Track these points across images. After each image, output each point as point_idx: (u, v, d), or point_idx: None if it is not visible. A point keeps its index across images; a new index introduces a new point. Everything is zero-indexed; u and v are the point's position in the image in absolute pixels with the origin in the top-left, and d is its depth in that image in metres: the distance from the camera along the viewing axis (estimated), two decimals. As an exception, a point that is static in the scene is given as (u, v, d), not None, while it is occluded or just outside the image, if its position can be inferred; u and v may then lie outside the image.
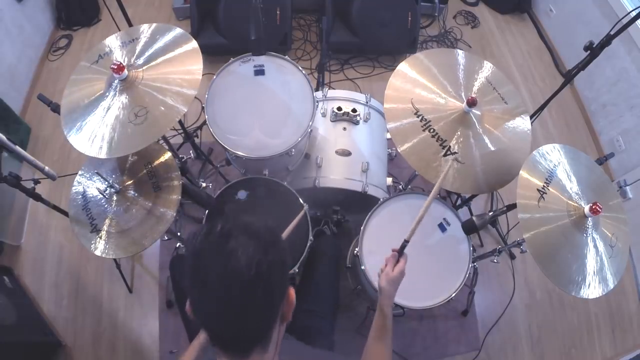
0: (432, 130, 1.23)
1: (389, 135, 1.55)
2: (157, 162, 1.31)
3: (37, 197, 1.42)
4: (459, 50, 1.40)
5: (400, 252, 1.07)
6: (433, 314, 2.01)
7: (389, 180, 1.84)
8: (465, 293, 1.97)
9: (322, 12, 2.73)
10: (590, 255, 1.11)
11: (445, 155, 1.22)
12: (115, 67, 1.14)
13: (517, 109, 1.33)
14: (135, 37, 1.30)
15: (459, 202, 2.09)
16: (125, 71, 1.16)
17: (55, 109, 1.36)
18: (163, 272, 2.03)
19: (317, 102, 1.66)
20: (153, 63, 1.23)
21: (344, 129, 1.73)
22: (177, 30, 1.29)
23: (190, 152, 2.14)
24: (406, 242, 1.07)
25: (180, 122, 1.83)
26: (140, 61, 1.24)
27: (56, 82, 2.56)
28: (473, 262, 1.46)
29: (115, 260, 1.96)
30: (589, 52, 1.44)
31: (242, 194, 1.51)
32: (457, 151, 1.22)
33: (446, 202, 1.55)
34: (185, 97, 1.16)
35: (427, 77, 1.31)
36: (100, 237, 1.24)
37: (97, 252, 1.22)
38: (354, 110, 1.72)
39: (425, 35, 2.93)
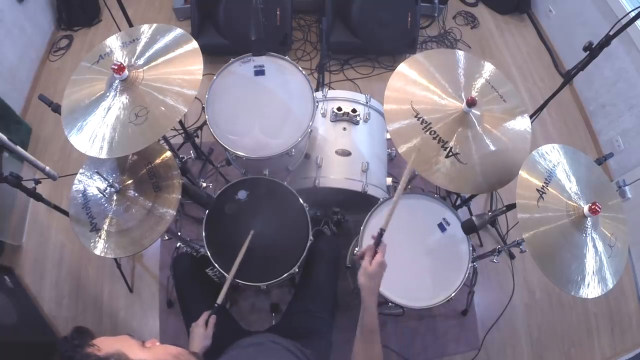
0: (432, 132, 1.23)
1: (388, 136, 1.55)
2: (157, 162, 1.31)
3: (38, 197, 1.42)
4: (458, 51, 1.40)
5: (377, 243, 1.02)
6: (433, 314, 2.01)
7: (389, 180, 1.84)
8: (465, 293, 1.97)
9: (322, 12, 2.73)
10: (590, 255, 1.11)
11: (447, 156, 1.22)
12: (116, 67, 1.14)
13: (516, 109, 1.33)
14: (135, 37, 1.30)
15: (458, 202, 2.09)
16: (126, 71, 1.16)
17: (56, 109, 1.37)
18: (163, 271, 2.04)
19: (317, 102, 1.66)
20: (153, 63, 1.23)
21: (344, 129, 1.73)
22: (178, 31, 1.29)
23: (191, 152, 2.15)
24: (382, 230, 1.03)
25: (180, 122, 1.84)
26: (141, 61, 1.24)
27: (57, 83, 2.57)
28: (473, 261, 1.47)
29: (115, 259, 1.96)
30: (588, 52, 1.44)
31: (242, 194, 1.51)
32: (458, 152, 1.22)
33: (446, 202, 1.55)
34: (186, 98, 1.17)
35: (426, 78, 1.31)
36: (100, 237, 1.24)
37: (97, 252, 1.22)
38: (354, 111, 1.72)
39: (425, 36, 2.94)
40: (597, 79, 2.54)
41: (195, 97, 1.21)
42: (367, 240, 1.48)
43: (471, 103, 1.20)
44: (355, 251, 1.47)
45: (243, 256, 1.35)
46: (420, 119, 1.24)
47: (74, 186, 1.34)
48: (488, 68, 1.38)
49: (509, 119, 1.31)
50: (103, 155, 1.13)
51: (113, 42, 1.32)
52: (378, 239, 1.03)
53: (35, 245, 2.09)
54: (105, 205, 1.27)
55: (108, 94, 1.20)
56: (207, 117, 1.51)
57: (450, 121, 1.24)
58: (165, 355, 0.73)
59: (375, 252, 1.01)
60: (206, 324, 1.18)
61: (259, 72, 1.58)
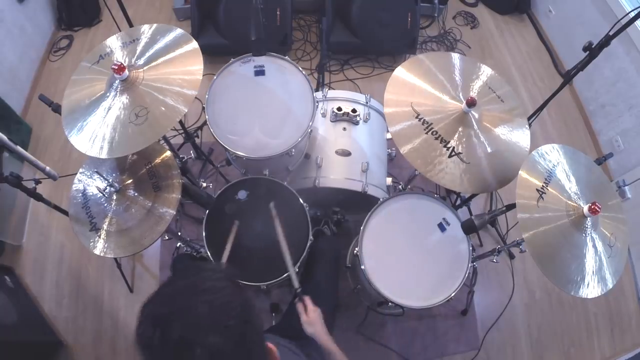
0: (434, 133, 1.24)
1: (389, 136, 1.55)
2: (157, 162, 1.32)
3: (38, 197, 1.42)
4: (455, 54, 1.41)
5: (300, 299, 1.17)
6: (433, 314, 2.02)
7: (389, 180, 1.84)
8: (465, 292, 1.97)
9: (322, 12, 2.73)
10: (589, 255, 1.11)
11: (450, 156, 1.22)
12: (116, 67, 1.14)
13: (516, 109, 1.34)
14: (135, 37, 1.30)
15: (458, 202, 2.09)
16: (126, 71, 1.16)
17: (56, 109, 1.37)
18: (164, 271, 2.04)
19: (317, 102, 1.66)
20: (154, 63, 1.23)
21: (344, 129, 1.73)
22: (178, 31, 1.29)
23: (191, 152, 2.15)
24: (297, 291, 1.21)
25: (180, 122, 1.84)
26: (141, 61, 1.24)
27: (57, 83, 2.57)
28: (472, 261, 1.47)
29: (115, 259, 1.96)
30: (587, 52, 1.44)
31: (242, 194, 1.51)
32: (461, 151, 1.22)
33: (446, 202, 1.55)
34: (186, 98, 1.17)
35: (425, 79, 1.31)
36: (100, 236, 1.24)
37: (96, 251, 1.22)
38: (354, 111, 1.72)
39: (425, 36, 2.94)
40: (597, 79, 2.54)
41: (195, 97, 1.21)
42: (367, 241, 1.48)
43: (471, 103, 1.20)
44: (355, 251, 1.47)
45: (244, 256, 1.35)
46: (421, 120, 1.24)
47: (73, 186, 1.34)
48: (487, 69, 1.38)
49: (509, 119, 1.31)
50: (103, 155, 1.13)
51: (113, 42, 1.32)
52: (298, 297, 1.18)
53: (35, 245, 2.09)
54: (105, 204, 1.27)
55: (108, 94, 1.20)
56: (207, 117, 1.51)
57: (451, 121, 1.24)
58: None
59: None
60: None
61: (259, 72, 1.58)
